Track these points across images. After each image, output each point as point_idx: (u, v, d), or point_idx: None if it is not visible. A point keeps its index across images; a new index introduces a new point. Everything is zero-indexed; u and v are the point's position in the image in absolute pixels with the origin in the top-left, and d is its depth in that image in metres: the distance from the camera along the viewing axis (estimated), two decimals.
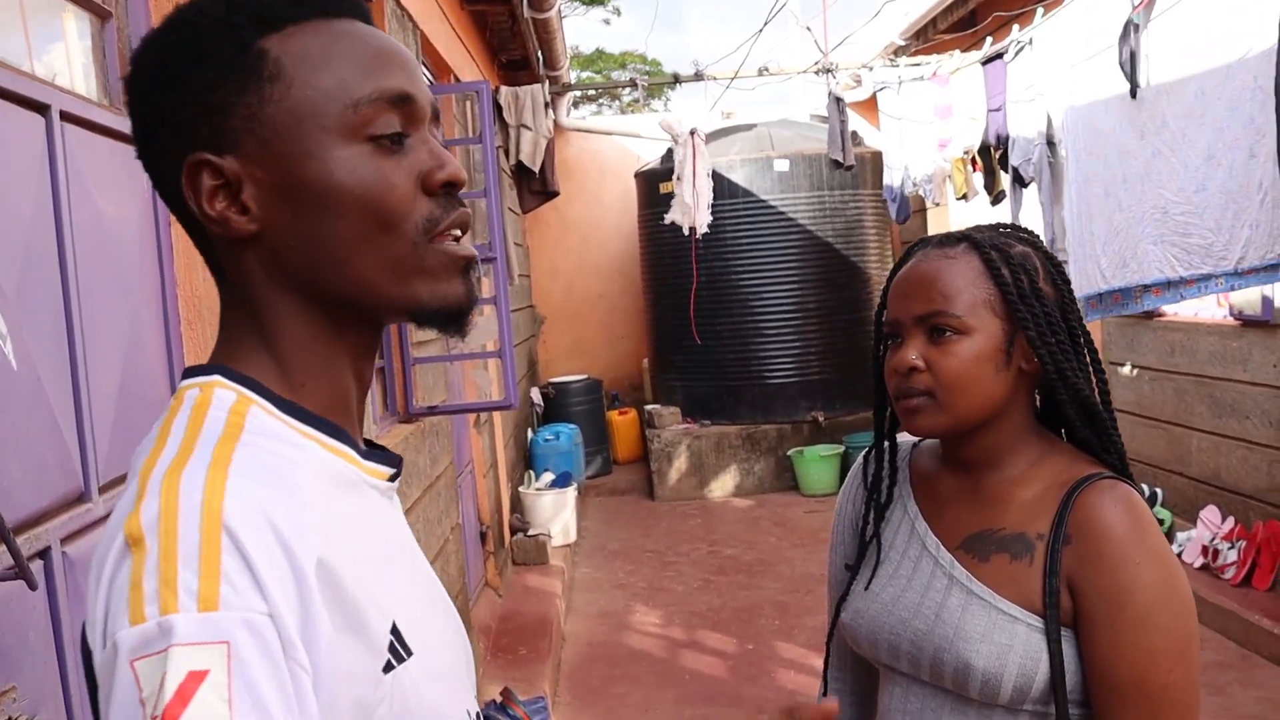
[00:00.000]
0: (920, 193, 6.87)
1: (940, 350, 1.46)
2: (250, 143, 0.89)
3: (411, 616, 0.92)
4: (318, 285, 0.92)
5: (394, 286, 0.92)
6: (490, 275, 4.89)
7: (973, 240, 1.51)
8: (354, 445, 0.95)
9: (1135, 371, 6.90)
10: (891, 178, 7.24)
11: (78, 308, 1.90)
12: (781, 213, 9.70)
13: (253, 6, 0.90)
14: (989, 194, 5.95)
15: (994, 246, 1.49)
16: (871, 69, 8.11)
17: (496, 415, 7.46)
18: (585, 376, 11.04)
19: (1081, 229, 4.41)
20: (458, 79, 6.52)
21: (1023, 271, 1.48)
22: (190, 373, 0.93)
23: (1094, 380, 1.54)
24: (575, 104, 23.70)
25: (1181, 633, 1.37)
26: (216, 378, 0.91)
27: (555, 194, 6.96)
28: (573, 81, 12.16)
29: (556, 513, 7.96)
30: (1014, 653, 1.40)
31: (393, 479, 1.00)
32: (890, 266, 9.48)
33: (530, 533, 7.59)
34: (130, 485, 0.84)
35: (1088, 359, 1.53)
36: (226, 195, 0.90)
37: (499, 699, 4.40)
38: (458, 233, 0.95)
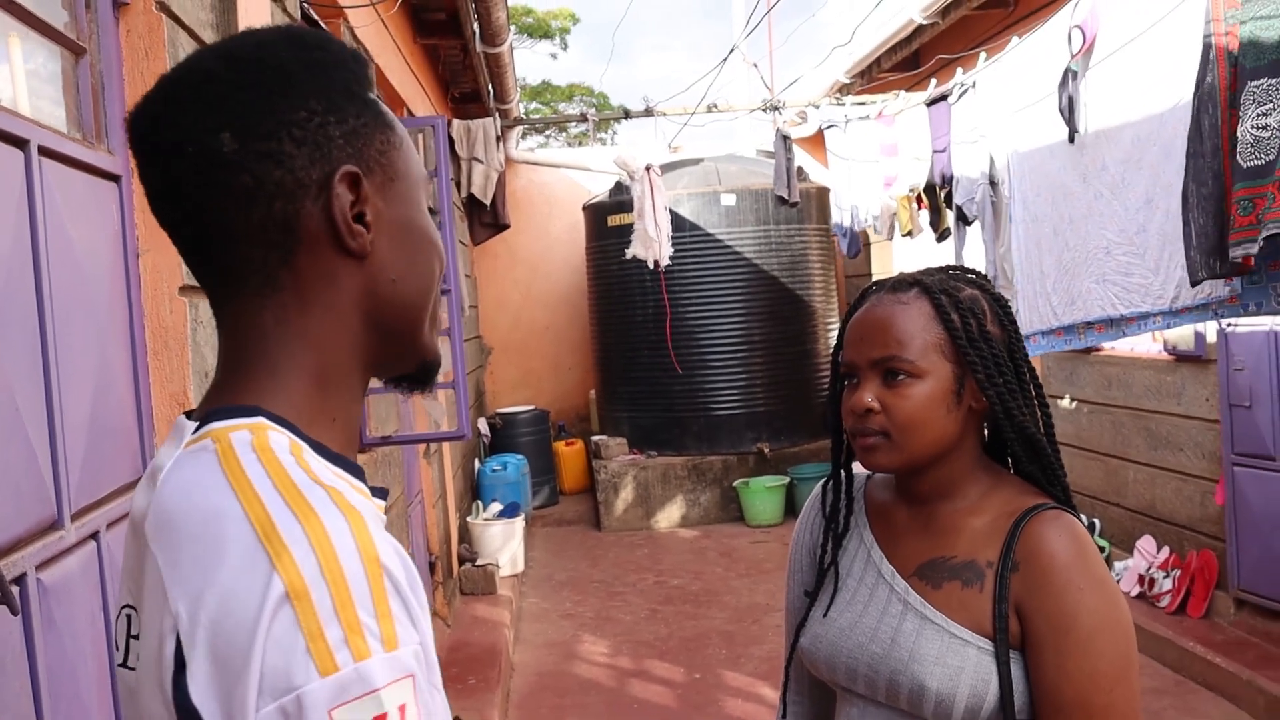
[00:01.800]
0: (871, 229, 7.01)
1: (894, 393, 1.54)
2: (380, 175, 0.96)
3: (430, 643, 0.98)
4: (389, 318, 0.99)
5: (429, 336, 1.04)
6: (445, 307, 4.93)
7: (924, 285, 1.59)
8: (365, 482, 0.99)
9: (1074, 404, 7.07)
10: (840, 215, 7.38)
11: (53, 338, 1.93)
12: (728, 246, 9.83)
13: (359, 62, 0.99)
14: (934, 231, 6.09)
15: (944, 291, 1.58)
16: (819, 107, 8.26)
17: (445, 445, 7.47)
18: (532, 407, 11.06)
19: (1030, 266, 4.55)
20: (411, 113, 6.57)
21: (971, 315, 1.56)
22: (222, 413, 0.92)
23: (1039, 416, 1.63)
24: (523, 135, 23.85)
25: (1122, 656, 1.45)
26: (262, 420, 0.91)
27: (506, 226, 7.03)
28: (521, 114, 12.23)
29: (505, 543, 7.97)
30: (965, 674, 1.48)
31: (386, 511, 1.06)
32: (835, 300, 9.63)
33: (478, 563, 7.59)
34: (217, 532, 0.82)
35: (1033, 395, 1.62)
36: (353, 211, 0.94)
37: None
38: None
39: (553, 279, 12.25)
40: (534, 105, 26.51)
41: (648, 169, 7.53)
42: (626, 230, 9.34)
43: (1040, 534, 1.49)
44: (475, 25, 6.82)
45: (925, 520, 1.62)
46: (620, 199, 9.70)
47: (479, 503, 8.60)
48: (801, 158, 10.94)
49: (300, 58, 0.94)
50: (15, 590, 1.69)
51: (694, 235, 9.82)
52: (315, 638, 0.77)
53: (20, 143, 1.91)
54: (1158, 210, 3.71)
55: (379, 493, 1.02)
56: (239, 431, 0.89)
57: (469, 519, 8.17)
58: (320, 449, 0.92)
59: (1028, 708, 1.48)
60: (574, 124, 23.12)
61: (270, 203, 0.92)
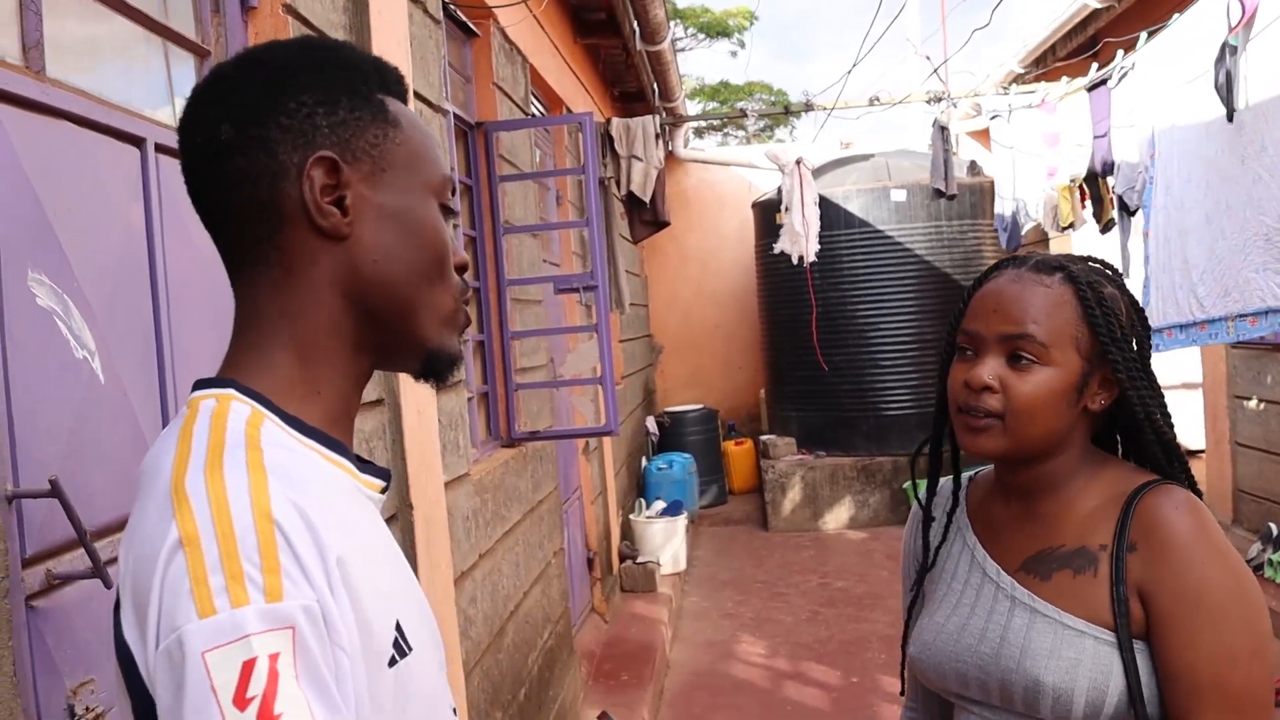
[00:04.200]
0: (1033, 222, 6.73)
1: (1018, 375, 1.45)
2: (368, 164, 1.02)
3: (409, 615, 1.00)
4: (375, 298, 1.03)
5: (433, 326, 1.06)
6: (593, 303, 4.96)
7: (1070, 273, 1.49)
8: (350, 458, 1.03)
9: (1262, 405, 6.62)
10: (1002, 206, 7.10)
11: (168, 328, 2.01)
12: (898, 243, 9.60)
13: (374, 67, 1.07)
14: (1098, 222, 5.79)
15: (1089, 284, 1.48)
16: (983, 97, 7.99)
17: (607, 443, 7.53)
18: (701, 406, 11.06)
19: (1170, 257, 4.26)
20: (570, 110, 6.65)
21: (1113, 314, 1.47)
22: (202, 384, 1.00)
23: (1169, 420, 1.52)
24: (700, 134, 23.88)
25: (1257, 630, 1.36)
26: (231, 391, 0.98)
27: (666, 224, 7.01)
28: (697, 113, 12.26)
29: (666, 541, 7.98)
30: (1083, 667, 1.39)
31: (383, 490, 1.08)
32: None
33: (639, 560, 7.62)
34: (155, 487, 0.90)
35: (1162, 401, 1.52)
36: (331, 196, 1.00)
37: None
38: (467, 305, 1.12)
39: (723, 277, 12.23)
40: (713, 105, 26.49)
41: (798, 163, 7.42)
42: None
43: (1157, 509, 1.40)
44: (634, 24, 6.85)
45: (1027, 513, 1.53)
46: None
47: (642, 500, 8.64)
48: (974, 151, 10.62)
49: (307, 58, 1.03)
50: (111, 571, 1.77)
51: (863, 232, 9.63)
52: (199, 582, 0.82)
53: (136, 140, 1.99)
54: None
55: (377, 472, 1.07)
56: (207, 400, 0.97)
57: (631, 516, 8.22)
58: (295, 423, 0.98)
59: (1156, 701, 1.38)
60: (750, 122, 23.04)
61: (256, 185, 0.99)
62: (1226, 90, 3.79)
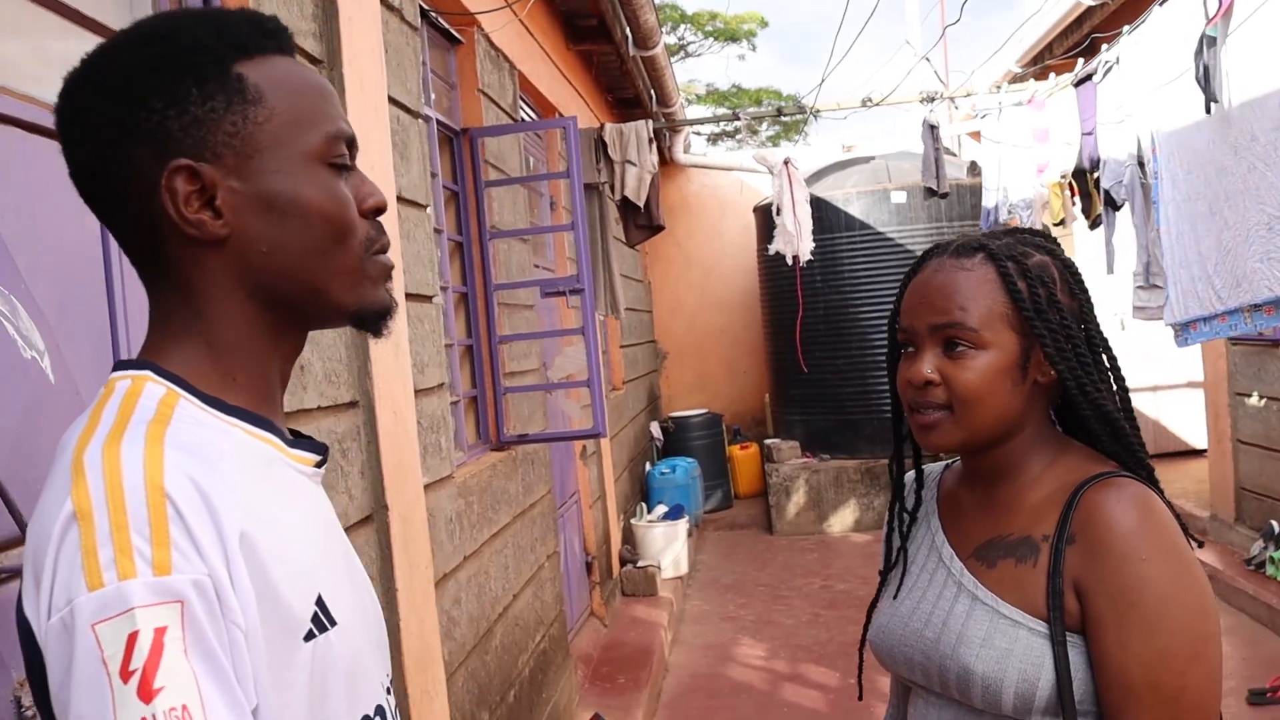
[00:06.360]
0: (1018, 218, 6.73)
1: (955, 364, 1.43)
2: (231, 156, 0.98)
3: (335, 590, 1.01)
4: (276, 287, 1.02)
5: (345, 291, 1.05)
6: (579, 306, 4.98)
7: (989, 251, 1.47)
8: (279, 434, 1.04)
9: (1263, 401, 6.59)
10: (988, 200, 7.11)
11: (125, 326, 2.04)
12: (899, 245, 9.61)
13: (228, 32, 1.01)
14: (1086, 218, 5.78)
15: (1010, 257, 1.46)
16: (976, 96, 8.00)
17: (606, 448, 7.55)
18: (705, 411, 11.06)
19: (1185, 250, 4.23)
20: (561, 116, 6.67)
21: (1040, 283, 1.44)
22: (121, 366, 1.01)
23: (1116, 390, 1.49)
24: (714, 141, 23.88)
25: (1196, 633, 1.31)
26: (147, 372, 0.99)
27: (661, 228, 7.03)
28: (698, 118, 12.27)
29: (667, 545, 7.99)
30: (1014, 658, 1.36)
31: (319, 465, 1.09)
32: None
33: (640, 564, 7.64)
34: (61, 462, 0.92)
35: (1109, 369, 1.49)
36: (200, 200, 0.98)
37: None
38: (386, 250, 1.09)
39: (727, 281, 12.25)
40: (723, 109, 26.49)
41: (786, 163, 7.44)
42: None
43: (1100, 501, 1.36)
44: (626, 29, 6.88)
45: (986, 500, 1.51)
46: None
47: (644, 505, 8.66)
48: (977, 151, 10.60)
49: (146, 56, 0.98)
50: None
51: (864, 234, 9.64)
52: (90, 555, 0.83)
53: None
54: None
55: (312, 447, 1.08)
56: (123, 380, 0.98)
57: (632, 521, 8.23)
58: (216, 403, 0.99)
59: (1090, 698, 1.35)
60: (764, 128, 23.00)
61: (127, 205, 0.99)
62: (1205, 82, 3.78)
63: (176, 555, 0.84)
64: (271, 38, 1.03)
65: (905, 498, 1.65)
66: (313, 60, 2.91)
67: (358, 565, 1.14)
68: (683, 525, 8.19)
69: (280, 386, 1.09)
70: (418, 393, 3.49)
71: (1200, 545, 1.49)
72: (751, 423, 12.12)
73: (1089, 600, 1.34)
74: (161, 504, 0.86)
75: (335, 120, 1.05)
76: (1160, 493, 1.42)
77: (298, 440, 1.07)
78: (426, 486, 3.50)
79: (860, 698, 1.80)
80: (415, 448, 3.38)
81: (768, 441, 10.44)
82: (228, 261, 1.00)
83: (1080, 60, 5.79)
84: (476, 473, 4.25)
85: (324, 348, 2.83)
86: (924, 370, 1.45)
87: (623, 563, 7.63)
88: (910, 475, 1.70)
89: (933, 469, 1.69)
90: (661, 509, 8.42)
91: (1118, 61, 4.92)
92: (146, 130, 0.96)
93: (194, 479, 0.88)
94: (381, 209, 1.08)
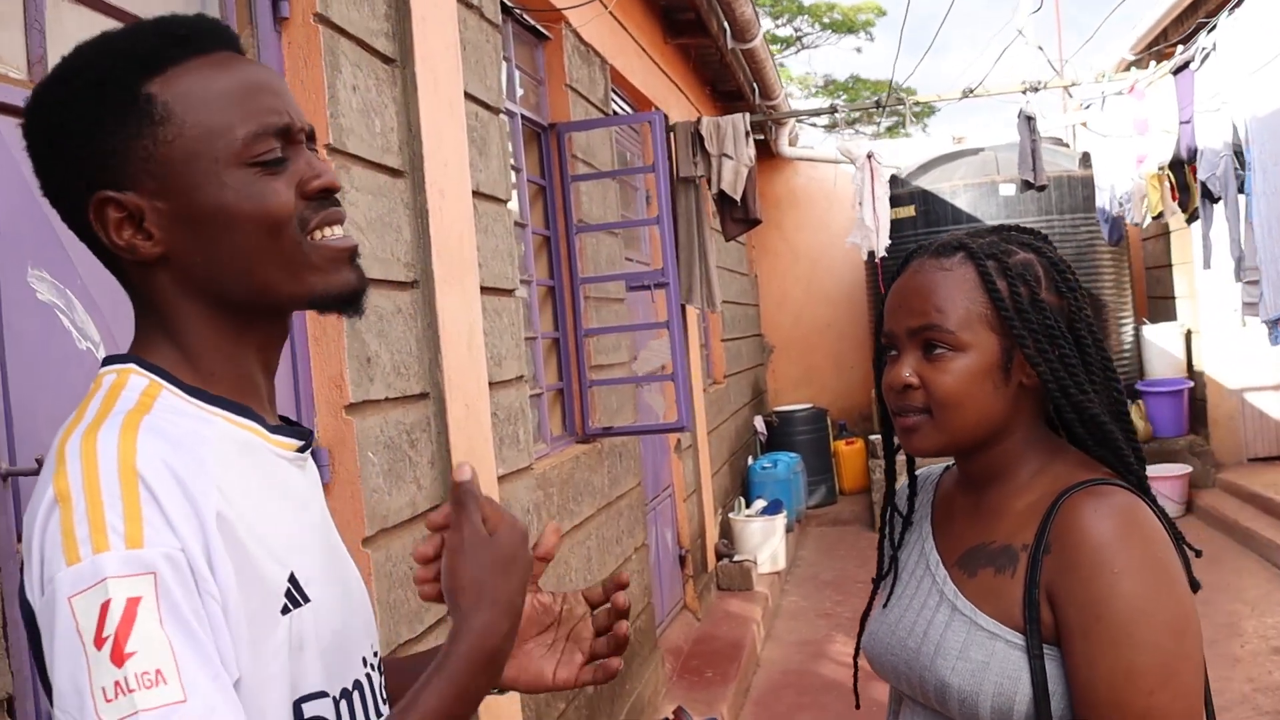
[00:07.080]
0: (1124, 214, 6.51)
1: (934, 367, 1.41)
2: (148, 180, 1.02)
3: (310, 568, 1.06)
4: (223, 294, 1.06)
5: (290, 284, 1.06)
6: (665, 299, 5.00)
7: (969, 250, 1.44)
8: (260, 421, 1.09)
9: None
10: (1100, 198, 6.90)
11: None
12: None
13: (134, 53, 1.03)
14: (1184, 211, 5.57)
15: (991, 256, 1.43)
16: (1079, 86, 7.78)
17: (703, 441, 7.55)
18: (809, 406, 10.99)
19: (1275, 244, 4.05)
20: (658, 110, 6.70)
21: (1021, 282, 1.41)
22: (108, 361, 1.07)
23: (1106, 393, 1.44)
24: (829, 130, 23.64)
25: (1169, 652, 1.25)
26: (132, 365, 1.05)
27: (757, 221, 7.01)
28: (803, 110, 12.19)
29: (764, 540, 7.96)
30: (990, 671, 1.33)
31: (302, 450, 1.13)
32: (1128, 293, 8.97)
33: (736, 559, 7.63)
34: (50, 454, 0.98)
35: (1099, 370, 1.44)
36: (131, 225, 1.02)
37: (671, 716, 4.46)
38: (336, 230, 1.09)
39: (834, 275, 12.13)
40: (838, 101, 26.20)
41: (869, 157, 7.35)
42: (904, 224, 9.13)
43: (1077, 510, 1.31)
44: (723, 22, 6.86)
45: (976, 505, 1.47)
46: (896, 191, 9.45)
47: (743, 499, 8.64)
48: (1088, 142, 10.30)
49: (60, 98, 1.02)
50: None
51: (971, 227, 9.42)
52: (68, 534, 0.89)
53: None
54: None
55: (297, 433, 1.13)
56: (109, 374, 1.04)
57: (730, 515, 8.22)
58: (198, 393, 1.05)
59: (1069, 713, 1.31)
60: (881, 118, 22.73)
61: (84, 234, 1.05)
62: None
63: (149, 529, 0.90)
64: (183, 45, 1.03)
65: (898, 503, 1.62)
66: (385, 59, 2.97)
67: (338, 544, 1.19)
68: (780, 520, 8.14)
69: (264, 373, 1.12)
70: (493, 385, 3.54)
71: (1198, 555, 1.43)
72: (857, 418, 11.99)
73: (1060, 612, 1.31)
74: (134, 483, 0.91)
75: (260, 116, 1.04)
76: (1152, 501, 1.37)
77: (281, 426, 1.11)
78: (501, 478, 3.55)
79: (857, 706, 1.74)
80: (489, 439, 3.43)
81: (873, 437, 10.30)
82: (175, 276, 1.05)
83: (1179, 47, 5.57)
84: (558, 464, 4.29)
85: (392, 340, 2.89)
86: (903, 374, 1.43)
87: (719, 557, 7.63)
88: (903, 481, 1.67)
89: (931, 471, 1.65)
90: (760, 504, 8.40)
91: (1214, 48, 4.72)
92: (75, 165, 1.02)
93: (167, 461, 0.94)
94: (331, 188, 1.07)
